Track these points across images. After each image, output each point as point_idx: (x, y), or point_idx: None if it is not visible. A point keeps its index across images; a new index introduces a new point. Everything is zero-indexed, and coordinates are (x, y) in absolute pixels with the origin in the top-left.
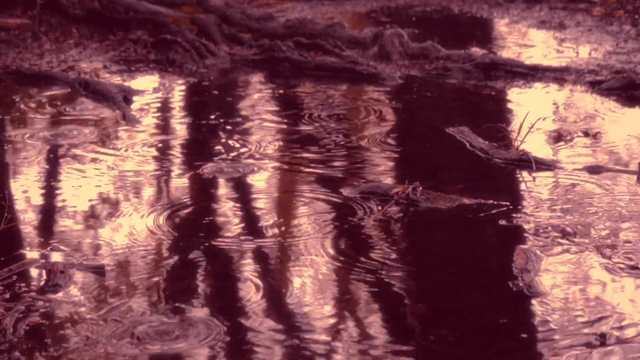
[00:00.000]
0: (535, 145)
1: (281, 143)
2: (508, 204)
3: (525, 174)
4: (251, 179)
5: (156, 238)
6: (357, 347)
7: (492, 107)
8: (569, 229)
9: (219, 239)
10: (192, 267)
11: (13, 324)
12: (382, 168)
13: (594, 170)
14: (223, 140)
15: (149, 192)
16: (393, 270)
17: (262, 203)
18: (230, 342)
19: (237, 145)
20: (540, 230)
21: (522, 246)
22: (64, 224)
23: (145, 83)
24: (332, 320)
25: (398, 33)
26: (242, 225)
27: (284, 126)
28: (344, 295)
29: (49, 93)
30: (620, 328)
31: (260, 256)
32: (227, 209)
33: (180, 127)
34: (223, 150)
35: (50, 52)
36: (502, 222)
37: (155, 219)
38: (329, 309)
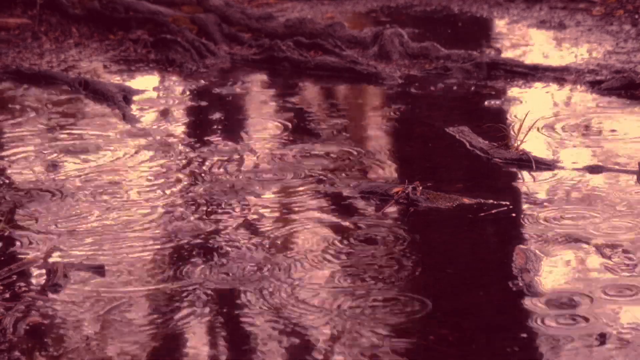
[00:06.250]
0: (535, 145)
1: (280, 143)
2: (508, 204)
3: (525, 173)
4: (250, 176)
5: (156, 237)
6: (356, 347)
7: (492, 107)
8: (568, 228)
9: (218, 237)
10: (193, 264)
11: (13, 323)
12: (382, 168)
13: (594, 169)
14: (223, 139)
15: (148, 191)
16: (393, 270)
17: (262, 201)
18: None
19: (236, 143)
20: (540, 231)
21: (522, 246)
22: (64, 223)
23: (145, 83)
24: (332, 320)
25: (398, 33)
26: (241, 225)
27: (284, 125)
28: (343, 295)
29: (48, 92)
30: (620, 328)
31: (258, 254)
32: (226, 209)
33: (179, 126)
34: (222, 149)
35: (50, 51)
36: (502, 222)
37: (155, 218)
38: (328, 308)
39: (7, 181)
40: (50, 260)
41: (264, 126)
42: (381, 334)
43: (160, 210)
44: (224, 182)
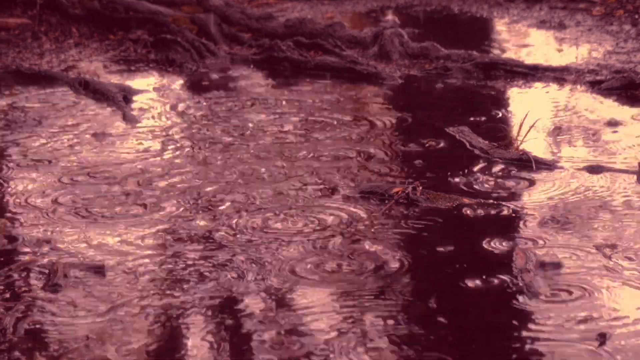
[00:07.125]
0: (535, 145)
1: (280, 142)
2: (508, 204)
3: (525, 173)
4: (251, 174)
5: (156, 237)
6: (356, 347)
7: (492, 107)
8: (568, 228)
9: (217, 235)
10: (194, 263)
11: (13, 323)
12: (382, 168)
13: (594, 170)
14: (223, 138)
15: (148, 190)
16: (393, 270)
17: (262, 201)
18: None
19: (236, 143)
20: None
21: (522, 246)
22: (63, 223)
23: (145, 83)
24: (331, 320)
25: (398, 33)
26: (241, 225)
27: (283, 125)
28: (343, 295)
29: (49, 92)
30: (621, 328)
31: (258, 256)
32: (226, 209)
33: (179, 126)
34: (221, 148)
35: (50, 51)
36: (502, 222)
37: (155, 217)
38: (328, 308)
39: (7, 181)
40: (50, 260)
41: (264, 126)
42: (381, 334)
43: (161, 216)
44: (223, 182)
